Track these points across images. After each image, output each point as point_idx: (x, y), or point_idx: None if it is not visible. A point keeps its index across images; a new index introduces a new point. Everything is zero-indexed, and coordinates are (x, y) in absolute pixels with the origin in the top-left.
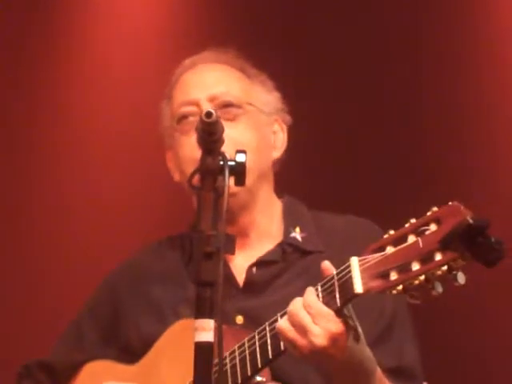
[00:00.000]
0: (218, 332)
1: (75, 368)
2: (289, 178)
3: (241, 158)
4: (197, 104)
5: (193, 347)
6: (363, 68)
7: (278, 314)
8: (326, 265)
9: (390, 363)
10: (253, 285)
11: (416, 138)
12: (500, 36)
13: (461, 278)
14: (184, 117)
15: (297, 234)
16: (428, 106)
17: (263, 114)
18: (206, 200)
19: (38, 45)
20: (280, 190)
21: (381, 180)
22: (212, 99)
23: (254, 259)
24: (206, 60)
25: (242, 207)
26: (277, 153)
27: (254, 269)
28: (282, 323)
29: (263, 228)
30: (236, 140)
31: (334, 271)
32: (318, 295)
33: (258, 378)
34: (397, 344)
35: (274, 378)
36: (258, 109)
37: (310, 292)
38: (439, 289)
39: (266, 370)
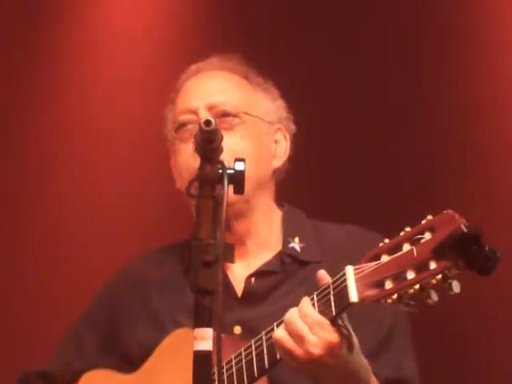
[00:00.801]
0: (217, 341)
1: (74, 377)
2: (290, 186)
3: (240, 166)
4: (195, 112)
5: (191, 356)
6: (363, 73)
7: (275, 324)
8: (322, 274)
9: (388, 374)
10: (251, 295)
11: (418, 142)
12: (498, 37)
13: (456, 287)
14: (183, 124)
15: (296, 244)
16: (428, 111)
17: (263, 123)
18: (205, 208)
19: (37, 46)
20: (282, 198)
21: (382, 186)
22: (210, 108)
23: (252, 269)
24: (210, 67)
25: (237, 216)
26: (277, 162)
27: (253, 279)
28: (279, 333)
29: (262, 237)
30: (232, 149)
31: (329, 280)
32: (313, 304)
33: None
34: (395, 355)
35: None
36: (257, 118)
37: (306, 301)
38: (434, 297)
39: (264, 380)
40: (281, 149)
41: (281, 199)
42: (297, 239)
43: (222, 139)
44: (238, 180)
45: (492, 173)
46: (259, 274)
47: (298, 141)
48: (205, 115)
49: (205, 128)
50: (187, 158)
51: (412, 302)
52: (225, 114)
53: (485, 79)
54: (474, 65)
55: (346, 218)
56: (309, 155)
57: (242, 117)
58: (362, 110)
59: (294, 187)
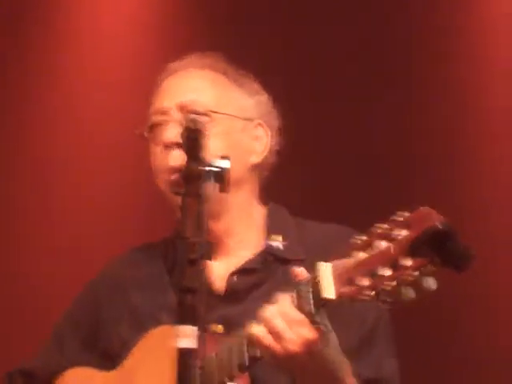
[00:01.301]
0: (200, 338)
1: (56, 374)
2: (276, 183)
3: (224, 164)
4: (166, 113)
5: (170, 354)
6: (350, 71)
7: (255, 321)
8: (300, 271)
9: (368, 374)
10: (233, 293)
11: (401, 139)
12: (479, 31)
13: (432, 284)
14: (154, 125)
15: (278, 242)
16: (418, 107)
17: (238, 120)
18: (190, 206)
19: (22, 47)
20: (268, 195)
21: (369, 183)
22: (181, 108)
23: (234, 267)
24: (188, 65)
25: (212, 215)
26: (256, 158)
27: (235, 277)
28: (258, 330)
29: (242, 236)
30: None
31: (307, 277)
32: (291, 301)
33: None
34: (376, 355)
35: None
36: (229, 116)
37: (284, 298)
38: (411, 294)
39: (245, 377)
40: (261, 144)
41: (266, 196)
42: (280, 237)
43: (206, 138)
44: (222, 178)
45: (473, 167)
46: (241, 271)
47: (286, 137)
48: (176, 116)
49: (189, 126)
50: (158, 158)
51: (389, 299)
52: (195, 114)
53: (468, 74)
54: (456, 60)
55: (332, 216)
56: (297, 152)
57: (212, 115)
58: (349, 108)
59: (280, 184)
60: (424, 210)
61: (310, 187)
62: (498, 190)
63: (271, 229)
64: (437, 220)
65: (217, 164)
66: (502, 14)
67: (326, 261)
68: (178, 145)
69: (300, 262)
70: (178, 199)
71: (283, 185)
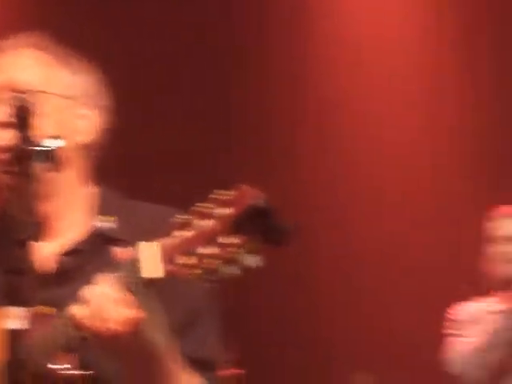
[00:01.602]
0: (29, 319)
1: None
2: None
3: (53, 143)
4: None
5: None
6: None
7: (78, 302)
8: (122, 251)
9: (192, 353)
10: (62, 274)
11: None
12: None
13: (254, 261)
14: None
15: (107, 223)
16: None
17: (62, 99)
18: (18, 186)
19: None
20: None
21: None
22: (6, 87)
23: (62, 248)
24: (13, 44)
25: (38, 196)
26: (82, 138)
27: (63, 258)
28: (80, 310)
29: (72, 217)
30: None
31: (131, 257)
32: (114, 281)
33: (63, 366)
34: (201, 334)
35: (82, 366)
36: (54, 94)
37: (106, 279)
38: (234, 271)
39: (73, 358)
40: (87, 124)
41: (98, 178)
42: (109, 219)
43: (35, 117)
44: (52, 158)
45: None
46: (70, 252)
47: (117, 120)
48: (1, 95)
49: (17, 105)
50: None
51: (211, 277)
52: (21, 93)
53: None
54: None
55: (160, 198)
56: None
57: (37, 95)
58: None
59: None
60: (244, 188)
61: (140, 170)
62: (316, 187)
63: (101, 210)
64: (257, 198)
65: (46, 143)
66: None
67: (150, 241)
68: (5, 124)
69: (128, 243)
70: (6, 178)
71: (113, 166)
